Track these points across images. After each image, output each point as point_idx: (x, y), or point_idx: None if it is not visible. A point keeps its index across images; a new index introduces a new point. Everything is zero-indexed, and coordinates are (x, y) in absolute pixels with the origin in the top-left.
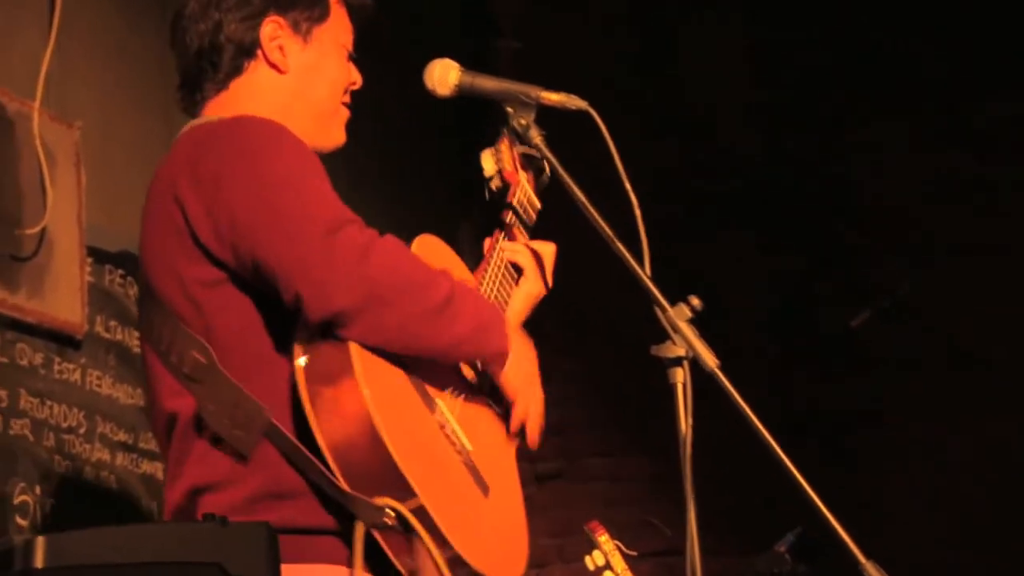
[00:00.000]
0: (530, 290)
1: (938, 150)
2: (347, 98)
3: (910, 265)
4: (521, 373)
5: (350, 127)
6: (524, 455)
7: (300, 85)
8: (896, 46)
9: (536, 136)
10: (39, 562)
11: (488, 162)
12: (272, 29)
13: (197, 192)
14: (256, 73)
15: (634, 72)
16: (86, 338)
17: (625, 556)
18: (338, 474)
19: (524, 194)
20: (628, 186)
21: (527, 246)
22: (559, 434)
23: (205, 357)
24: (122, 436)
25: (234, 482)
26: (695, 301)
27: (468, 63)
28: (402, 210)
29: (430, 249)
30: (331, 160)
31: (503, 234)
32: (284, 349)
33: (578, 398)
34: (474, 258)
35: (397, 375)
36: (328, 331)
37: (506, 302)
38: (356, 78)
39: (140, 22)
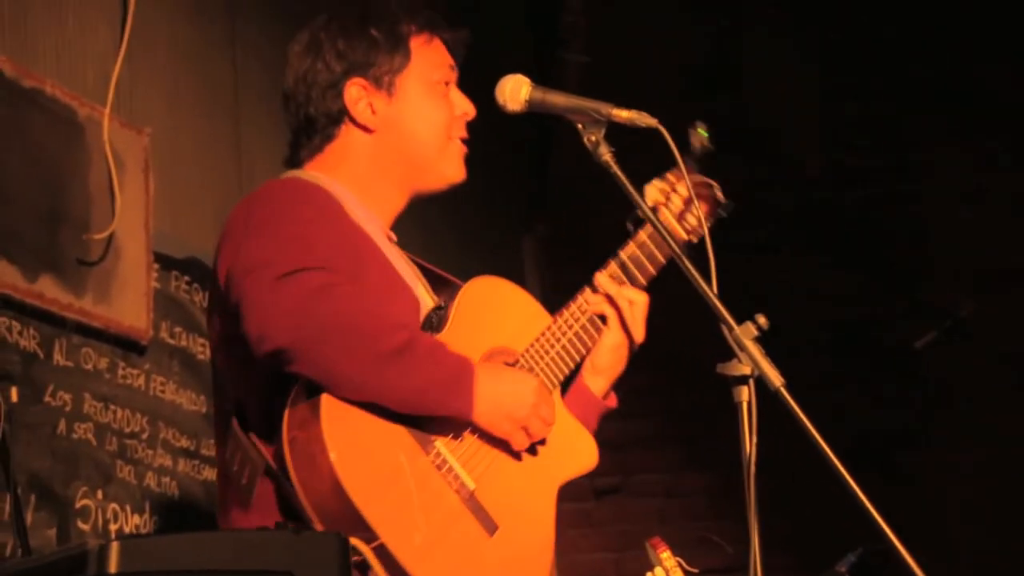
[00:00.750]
0: (612, 342)
1: (1005, 173)
2: (461, 131)
3: (972, 288)
4: (488, 404)
5: None
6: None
7: (391, 137)
8: (967, 68)
9: (606, 153)
10: (113, 567)
11: (652, 192)
12: (356, 92)
13: (224, 245)
14: (348, 136)
15: (700, 88)
16: (151, 344)
17: (687, 573)
18: (313, 516)
19: (650, 239)
20: (696, 203)
21: (620, 296)
22: (618, 449)
23: (229, 406)
24: (184, 442)
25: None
26: (762, 320)
27: (535, 77)
28: (469, 225)
29: (484, 290)
30: None
31: (607, 269)
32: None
33: (638, 413)
34: (539, 271)
35: (378, 419)
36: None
37: (579, 352)
38: (467, 108)
39: (210, 30)
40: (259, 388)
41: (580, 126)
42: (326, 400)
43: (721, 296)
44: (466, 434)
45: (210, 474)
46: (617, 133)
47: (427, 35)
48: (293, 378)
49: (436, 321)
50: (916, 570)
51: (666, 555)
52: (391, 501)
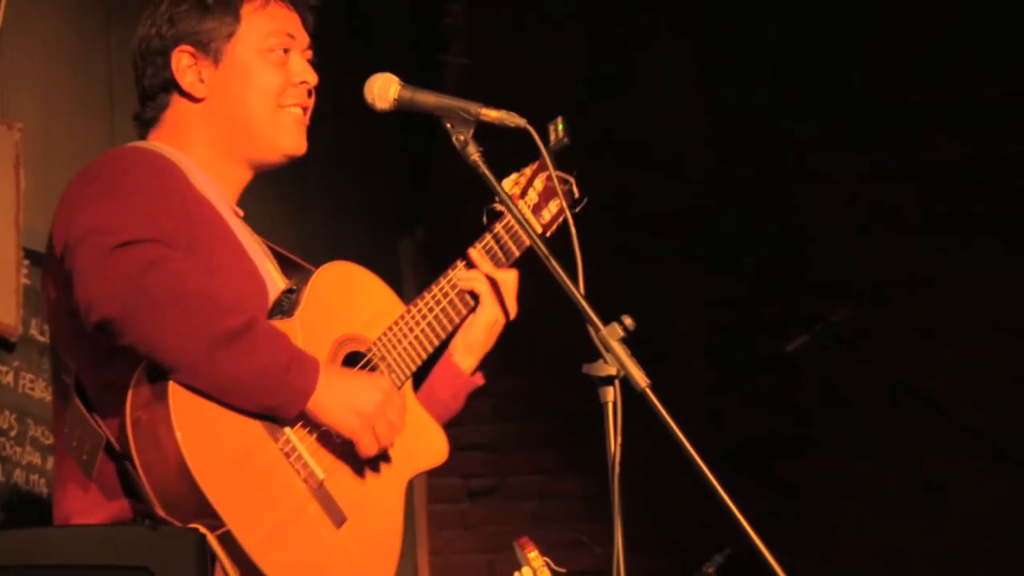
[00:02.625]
0: (487, 319)
1: (884, 182)
2: (298, 99)
3: (849, 295)
4: (333, 400)
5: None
6: (457, 471)
7: (219, 105)
8: (848, 78)
9: (474, 153)
10: None
11: (508, 185)
12: (185, 60)
13: (59, 214)
14: (179, 104)
15: (583, 94)
16: (20, 341)
17: (554, 573)
18: (153, 499)
19: (515, 223)
20: (564, 204)
21: (485, 275)
22: (493, 451)
23: (68, 378)
24: (53, 440)
25: (89, 510)
26: (628, 320)
27: (415, 78)
28: (344, 225)
29: (338, 276)
30: (274, 173)
31: (463, 262)
32: (130, 375)
33: (512, 416)
34: (416, 275)
35: (226, 406)
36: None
37: (445, 328)
38: (306, 76)
39: (84, 26)
40: (94, 361)
41: (449, 126)
42: (174, 383)
43: (599, 300)
44: (316, 424)
45: None
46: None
47: (261, 0)
48: (127, 353)
49: (287, 305)
50: (778, 571)
51: (534, 555)
52: (238, 488)
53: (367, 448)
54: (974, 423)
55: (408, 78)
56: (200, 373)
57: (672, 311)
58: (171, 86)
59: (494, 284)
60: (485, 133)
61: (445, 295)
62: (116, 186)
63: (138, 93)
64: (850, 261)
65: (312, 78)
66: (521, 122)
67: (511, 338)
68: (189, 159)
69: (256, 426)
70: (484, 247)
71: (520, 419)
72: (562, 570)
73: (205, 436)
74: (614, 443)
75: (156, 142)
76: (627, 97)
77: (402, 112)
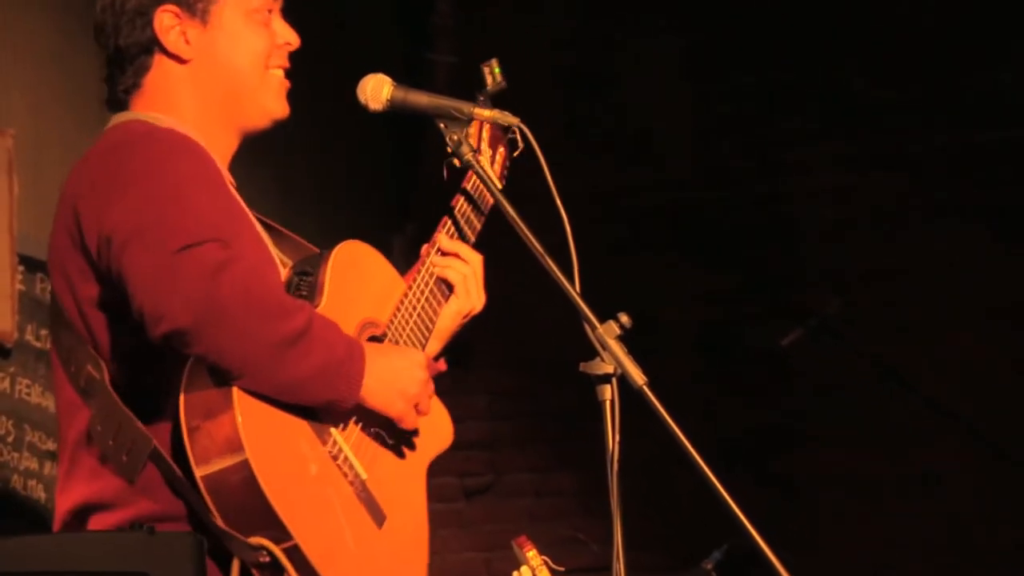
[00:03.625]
0: (460, 308)
1: (871, 173)
2: (281, 61)
3: (840, 287)
4: (381, 384)
5: (282, 136)
6: (452, 470)
7: (207, 67)
8: (833, 70)
9: (468, 152)
10: None
11: (451, 136)
12: (168, 19)
13: (90, 202)
14: (162, 67)
15: (572, 91)
16: (16, 346)
17: (553, 572)
18: (213, 510)
19: (481, 177)
20: (559, 202)
21: (457, 257)
22: (488, 449)
23: (98, 373)
24: (51, 445)
25: (121, 504)
26: (624, 318)
27: (401, 75)
28: (335, 220)
29: (352, 257)
30: (263, 168)
31: (445, 230)
32: (172, 375)
33: (507, 413)
34: (408, 269)
35: (282, 412)
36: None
37: (432, 320)
38: (289, 38)
39: (74, 30)
40: (128, 357)
41: (442, 125)
42: (239, 391)
43: (588, 295)
44: (351, 421)
45: None
46: None
47: None
48: (167, 350)
49: (306, 289)
50: (779, 567)
51: (532, 554)
52: (300, 498)
53: (412, 424)
54: (968, 414)
55: (396, 76)
56: (267, 376)
57: (661, 305)
58: (153, 47)
59: (461, 270)
60: None
61: (431, 276)
62: (151, 172)
63: (108, 56)
64: (840, 253)
65: (295, 40)
66: (514, 120)
67: (506, 335)
68: (189, 131)
69: (307, 430)
70: (447, 232)
71: (515, 417)
72: (561, 568)
73: (270, 447)
74: (612, 441)
75: (152, 113)
76: (613, 92)
77: (395, 112)
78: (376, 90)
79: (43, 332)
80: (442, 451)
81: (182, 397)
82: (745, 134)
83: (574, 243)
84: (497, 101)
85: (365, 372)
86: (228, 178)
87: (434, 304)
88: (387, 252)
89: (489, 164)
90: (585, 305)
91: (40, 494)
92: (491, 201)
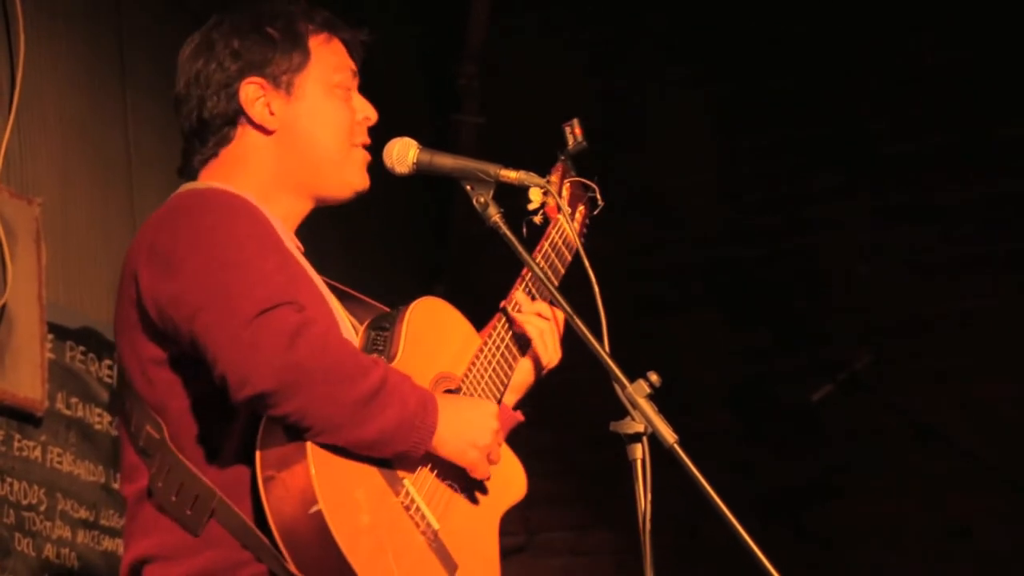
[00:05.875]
0: (536, 363)
1: (899, 227)
2: (364, 137)
3: (871, 341)
4: (453, 435)
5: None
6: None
7: (292, 139)
8: (859, 123)
9: (495, 214)
10: None
11: (536, 194)
12: (252, 91)
13: (150, 268)
14: (245, 138)
15: (599, 148)
16: (46, 415)
17: None
18: (288, 559)
19: (560, 235)
20: (587, 261)
21: (536, 313)
22: (522, 508)
23: (157, 432)
24: (83, 513)
25: (184, 555)
26: (654, 377)
27: (431, 138)
28: (366, 283)
29: (428, 312)
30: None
31: (523, 286)
32: (235, 428)
33: (542, 472)
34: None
35: (356, 461)
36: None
37: (507, 374)
38: (368, 112)
39: (101, 100)
40: (191, 414)
41: (469, 188)
42: (312, 444)
43: (617, 354)
44: (426, 470)
45: (110, 544)
46: None
47: (326, 35)
48: (228, 405)
49: (382, 344)
50: None
51: None
52: (371, 547)
53: (483, 474)
54: (1002, 464)
55: (424, 138)
56: (346, 434)
57: (693, 362)
58: (238, 118)
59: (539, 326)
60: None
61: (508, 331)
62: (213, 237)
63: (190, 128)
64: (871, 306)
65: (374, 115)
66: (541, 182)
67: (541, 393)
68: (249, 195)
69: (379, 480)
70: (524, 288)
71: (549, 475)
72: None
73: (343, 496)
74: (644, 500)
75: (211, 181)
76: (642, 149)
77: (421, 174)
78: (402, 154)
79: (73, 400)
80: (516, 502)
81: (258, 451)
82: (773, 189)
83: (602, 302)
84: (524, 159)
85: (438, 423)
86: (295, 243)
87: (509, 359)
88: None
89: (568, 221)
90: (614, 364)
91: (73, 562)
92: (569, 258)
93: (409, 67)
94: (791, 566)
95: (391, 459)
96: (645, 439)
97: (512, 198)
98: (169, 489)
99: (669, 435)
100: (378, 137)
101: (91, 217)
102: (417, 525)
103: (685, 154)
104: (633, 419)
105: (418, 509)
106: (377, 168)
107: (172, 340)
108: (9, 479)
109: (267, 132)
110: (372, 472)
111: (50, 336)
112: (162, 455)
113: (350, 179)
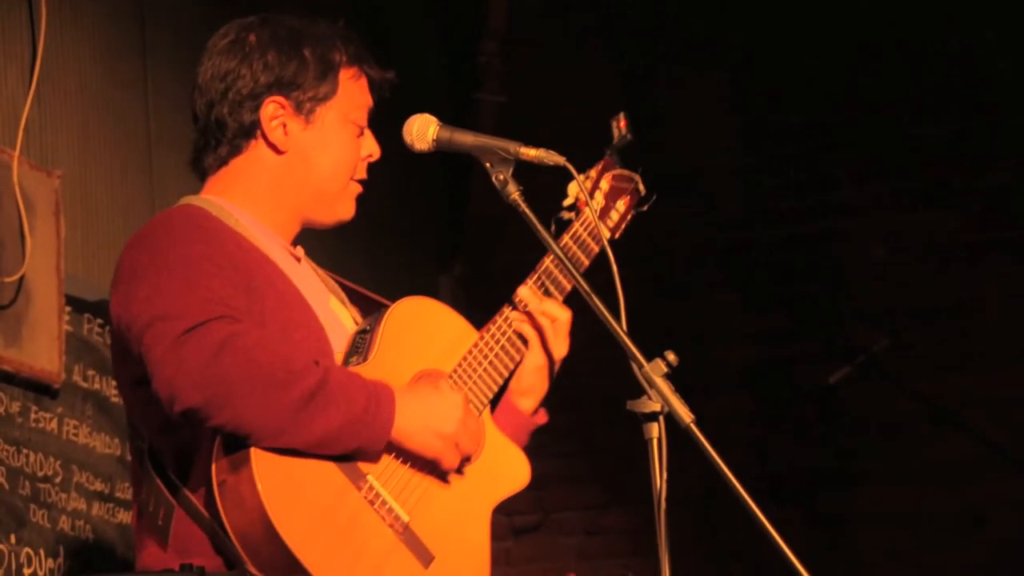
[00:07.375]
0: (534, 363)
1: (919, 212)
2: (363, 173)
3: (888, 325)
4: (415, 426)
5: None
6: (500, 509)
7: (298, 164)
8: (881, 108)
9: (514, 192)
10: None
11: (572, 187)
12: (273, 109)
13: (113, 290)
14: (255, 152)
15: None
16: (63, 387)
17: None
18: (247, 561)
19: (585, 227)
20: (605, 241)
21: (537, 312)
22: (536, 487)
23: (142, 446)
24: (98, 486)
25: (161, 566)
26: (671, 356)
27: (451, 116)
28: (383, 263)
29: (411, 312)
30: None
31: (533, 281)
32: (203, 440)
33: (555, 451)
34: (457, 311)
35: (307, 460)
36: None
37: (502, 371)
38: (372, 150)
39: (121, 72)
40: (167, 428)
41: (488, 165)
42: (255, 449)
43: (636, 334)
44: (397, 463)
45: (124, 517)
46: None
47: (356, 70)
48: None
49: (362, 346)
50: None
51: None
52: (325, 542)
53: (451, 464)
54: (1014, 451)
55: (443, 116)
56: (289, 439)
57: (712, 344)
58: (254, 131)
59: (542, 326)
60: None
61: (507, 329)
62: (168, 261)
63: (204, 121)
64: (889, 290)
65: (377, 153)
66: (560, 160)
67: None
68: (242, 210)
69: (338, 476)
70: (535, 282)
71: (564, 455)
72: None
73: (288, 494)
74: (659, 479)
75: (208, 195)
76: (662, 130)
77: (441, 152)
78: (422, 130)
79: (90, 373)
80: (515, 492)
81: (213, 460)
82: (794, 173)
83: (621, 282)
84: (543, 139)
85: (396, 415)
86: (288, 251)
87: (510, 354)
88: (433, 292)
89: (595, 215)
90: (632, 343)
91: (88, 535)
92: (595, 250)
93: (430, 45)
94: (805, 548)
95: (351, 455)
96: (661, 419)
97: (528, 182)
98: (147, 500)
99: (686, 415)
100: (398, 116)
101: (110, 190)
102: (383, 519)
103: (706, 137)
104: (650, 398)
105: (384, 503)
106: (396, 146)
107: (137, 361)
108: (25, 450)
109: (278, 152)
110: (330, 469)
111: (68, 308)
112: (147, 468)
113: (341, 212)
